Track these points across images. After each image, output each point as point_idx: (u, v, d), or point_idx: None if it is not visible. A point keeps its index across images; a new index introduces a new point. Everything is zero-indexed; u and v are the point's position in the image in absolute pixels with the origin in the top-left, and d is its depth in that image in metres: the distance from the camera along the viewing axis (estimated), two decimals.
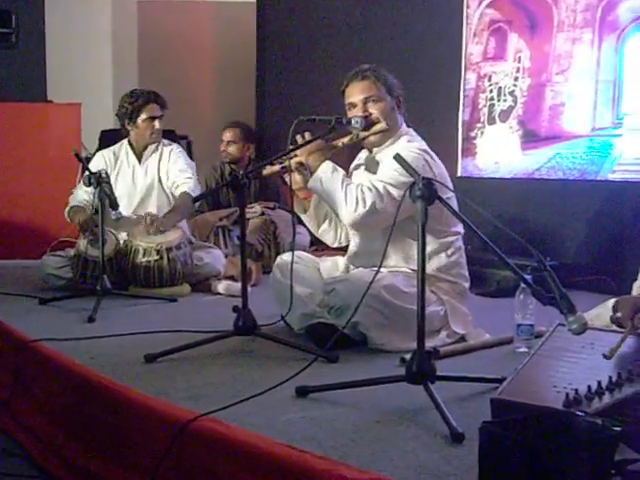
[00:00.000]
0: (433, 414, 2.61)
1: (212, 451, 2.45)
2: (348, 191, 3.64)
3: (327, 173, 3.70)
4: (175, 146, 5.54)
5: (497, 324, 3.98)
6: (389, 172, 3.64)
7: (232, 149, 6.54)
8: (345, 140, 3.84)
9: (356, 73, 3.87)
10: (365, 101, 3.82)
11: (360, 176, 3.87)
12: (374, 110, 3.82)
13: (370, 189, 3.62)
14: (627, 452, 2.15)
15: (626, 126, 5.36)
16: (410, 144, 3.81)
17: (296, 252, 4.02)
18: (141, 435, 2.74)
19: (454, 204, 3.59)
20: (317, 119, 3.75)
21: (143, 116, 5.33)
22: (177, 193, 5.33)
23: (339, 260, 4.11)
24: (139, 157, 5.44)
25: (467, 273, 3.97)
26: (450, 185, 3.76)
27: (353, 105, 3.84)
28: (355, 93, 3.84)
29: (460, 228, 3.87)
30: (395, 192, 3.58)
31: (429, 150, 3.83)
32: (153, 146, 5.44)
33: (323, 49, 7.40)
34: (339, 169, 3.75)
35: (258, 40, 8.04)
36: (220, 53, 8.35)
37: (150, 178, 5.41)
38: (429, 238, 3.58)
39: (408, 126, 3.96)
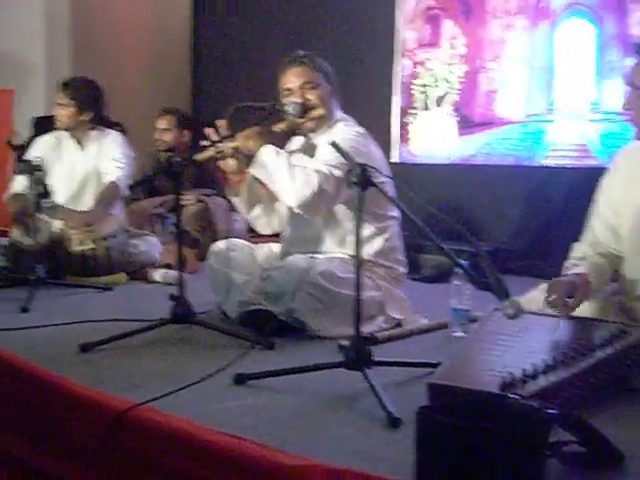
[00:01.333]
0: (370, 399, 2.62)
1: (149, 440, 2.43)
2: (295, 173, 3.60)
3: (271, 157, 3.64)
4: (116, 134, 5.49)
5: (434, 309, 4.01)
6: (329, 154, 3.56)
7: (168, 137, 6.45)
8: (282, 125, 3.83)
9: (293, 59, 3.86)
10: (302, 87, 3.81)
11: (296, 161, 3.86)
12: (311, 96, 3.82)
13: (317, 171, 3.59)
14: (561, 434, 2.17)
15: (559, 112, 5.42)
16: (348, 128, 3.82)
17: (231, 239, 4.01)
18: (77, 425, 2.70)
19: (390, 189, 3.60)
20: (253, 105, 3.74)
21: None
22: (105, 181, 5.28)
23: (275, 247, 4.10)
24: (80, 142, 5.40)
25: (404, 258, 3.98)
26: (387, 169, 3.76)
27: (289, 91, 3.83)
28: (292, 79, 3.83)
29: (396, 212, 3.89)
30: (338, 173, 3.55)
31: (367, 134, 3.85)
32: (94, 133, 5.40)
33: (259, 36, 7.38)
34: (282, 152, 3.72)
35: (194, 25, 7.99)
36: (155, 38, 8.25)
37: (89, 164, 5.36)
38: (365, 222, 3.60)
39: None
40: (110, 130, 5.52)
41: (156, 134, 6.47)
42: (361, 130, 3.85)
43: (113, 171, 5.26)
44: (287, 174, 3.61)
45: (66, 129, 5.38)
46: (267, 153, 3.66)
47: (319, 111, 3.80)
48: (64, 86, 5.33)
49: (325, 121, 3.86)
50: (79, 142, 5.40)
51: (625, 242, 3.20)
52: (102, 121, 5.53)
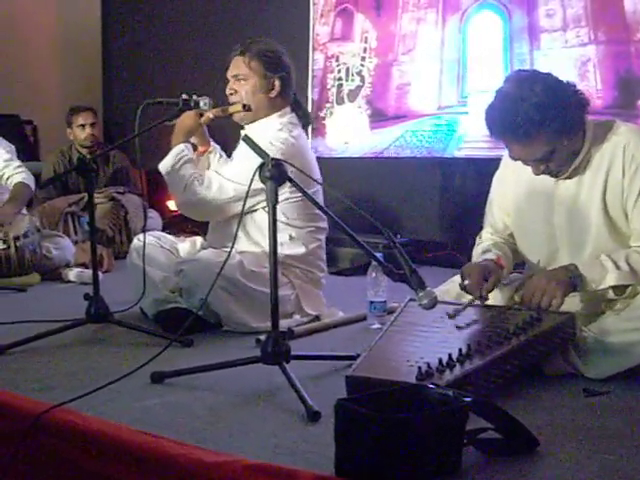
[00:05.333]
0: (289, 394, 2.62)
1: (68, 442, 2.40)
2: (178, 178, 3.72)
3: (169, 156, 3.75)
4: None
5: (350, 302, 4.03)
6: (233, 168, 3.72)
7: (97, 131, 6.39)
8: (203, 119, 3.79)
9: (239, 46, 3.80)
10: (234, 78, 3.78)
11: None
12: (239, 89, 3.77)
13: (208, 180, 3.70)
14: (478, 422, 2.20)
15: (470, 104, 5.48)
16: (278, 133, 3.68)
17: (155, 232, 4.06)
18: None
19: (320, 198, 3.59)
20: (165, 101, 3.72)
21: None
22: (11, 184, 5.14)
23: (197, 240, 4.06)
24: None
25: (324, 265, 3.97)
26: (317, 176, 3.73)
27: (228, 80, 3.81)
28: (230, 67, 3.80)
29: (323, 224, 3.88)
30: (231, 187, 3.66)
31: (297, 143, 3.71)
32: None
33: (170, 31, 7.31)
34: (183, 154, 3.75)
35: (103, 20, 7.89)
36: (65, 34, 8.09)
37: None
38: (283, 226, 3.60)
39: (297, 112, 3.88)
40: None
41: (77, 131, 6.33)
42: (291, 139, 3.69)
43: (16, 173, 5.12)
44: (170, 176, 3.76)
45: None
46: (173, 152, 3.77)
47: (236, 107, 3.75)
48: None
49: (253, 117, 3.79)
50: None
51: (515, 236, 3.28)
52: None
